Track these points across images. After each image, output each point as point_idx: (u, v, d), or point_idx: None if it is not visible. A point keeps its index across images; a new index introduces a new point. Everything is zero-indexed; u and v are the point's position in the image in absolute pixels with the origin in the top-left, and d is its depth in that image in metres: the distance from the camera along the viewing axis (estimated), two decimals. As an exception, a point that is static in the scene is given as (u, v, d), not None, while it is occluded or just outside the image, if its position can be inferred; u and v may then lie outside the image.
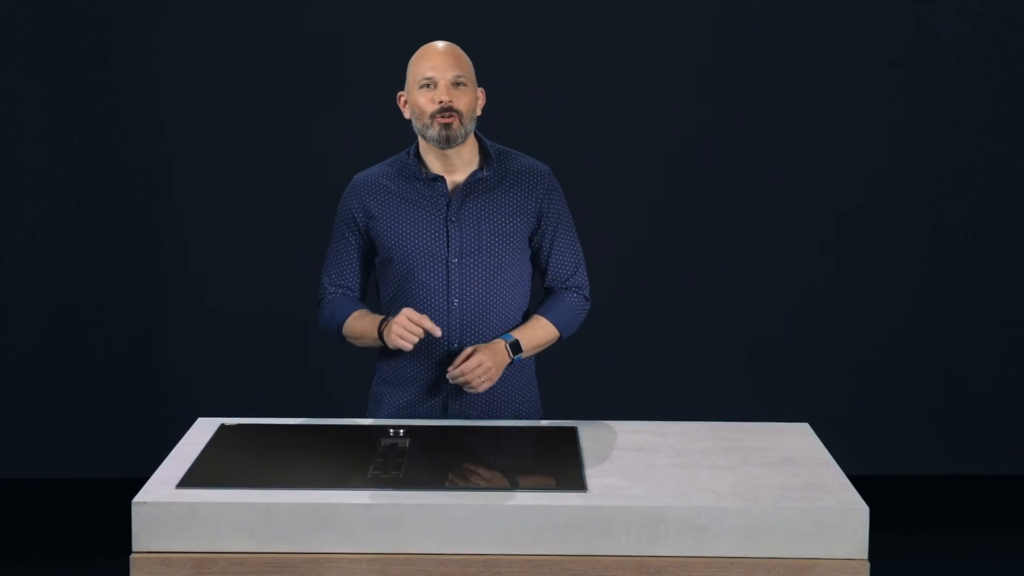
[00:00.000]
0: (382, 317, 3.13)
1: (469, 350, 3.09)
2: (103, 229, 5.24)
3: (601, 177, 5.20)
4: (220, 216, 5.24)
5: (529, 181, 3.20)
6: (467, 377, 3.06)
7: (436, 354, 3.14)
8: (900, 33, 5.22)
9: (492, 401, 3.18)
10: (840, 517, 2.51)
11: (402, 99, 3.18)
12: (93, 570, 4.52)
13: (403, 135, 3.30)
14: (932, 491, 5.31)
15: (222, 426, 3.00)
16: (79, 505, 5.16)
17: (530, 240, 3.22)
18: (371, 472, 2.67)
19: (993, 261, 5.33)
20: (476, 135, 3.19)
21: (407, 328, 3.02)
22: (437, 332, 3.04)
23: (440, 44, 3.14)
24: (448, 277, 3.14)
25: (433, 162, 3.16)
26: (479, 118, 3.16)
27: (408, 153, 3.20)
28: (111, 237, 5.24)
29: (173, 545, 2.51)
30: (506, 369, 3.14)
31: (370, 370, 3.28)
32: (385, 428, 2.98)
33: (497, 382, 3.12)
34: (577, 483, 2.62)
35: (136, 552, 2.51)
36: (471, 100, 3.11)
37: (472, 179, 3.16)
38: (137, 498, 2.53)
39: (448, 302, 3.14)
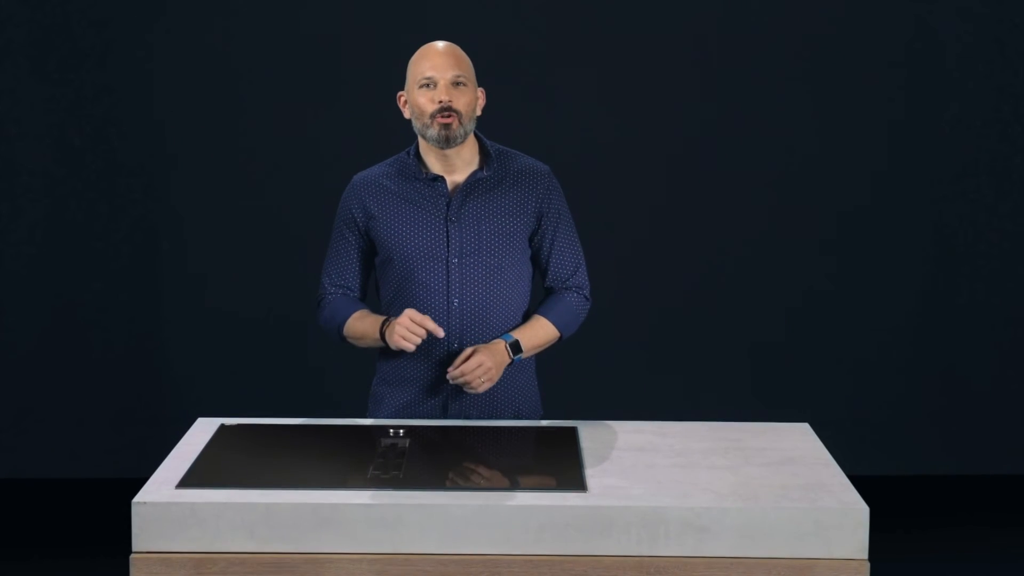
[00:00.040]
0: (384, 318, 3.13)
1: (469, 350, 3.09)
2: (103, 229, 5.24)
3: (601, 177, 5.20)
4: (220, 216, 5.24)
5: (529, 181, 3.20)
6: (467, 377, 3.06)
7: (436, 354, 3.14)
8: (900, 33, 5.22)
9: (492, 401, 3.18)
10: (840, 517, 2.51)
11: (402, 99, 3.18)
12: (93, 570, 4.52)
13: (403, 135, 3.30)
14: (932, 491, 5.31)
15: (222, 426, 3.00)
16: (79, 505, 5.16)
17: (530, 240, 3.22)
18: (371, 472, 2.67)
19: (993, 261, 5.33)
20: (476, 135, 3.19)
21: (410, 329, 3.02)
22: (440, 333, 3.04)
23: (440, 44, 3.14)
24: (448, 277, 3.14)
25: (433, 162, 3.16)
26: (479, 118, 3.16)
27: (408, 153, 3.20)
28: (111, 237, 5.24)
29: (173, 545, 2.51)
30: (506, 369, 3.14)
31: (370, 370, 3.28)
32: (385, 428, 2.97)
33: (497, 382, 3.12)
34: (577, 483, 2.62)
35: (136, 552, 2.51)
36: (471, 100, 3.11)
37: (472, 179, 3.16)
38: (137, 498, 2.53)
39: (448, 302, 3.14)
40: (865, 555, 2.52)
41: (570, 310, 3.24)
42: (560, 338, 3.24)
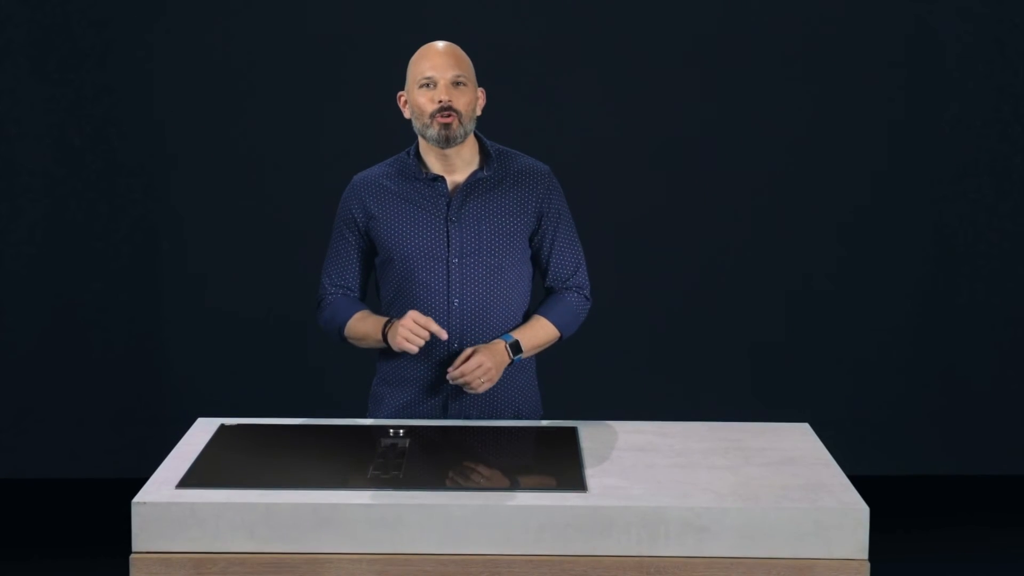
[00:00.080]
0: (386, 319, 3.13)
1: (469, 351, 3.09)
2: (103, 229, 5.24)
3: (601, 177, 5.20)
4: (220, 216, 5.24)
5: (529, 181, 3.20)
6: (467, 378, 3.06)
7: (436, 354, 3.14)
8: (900, 33, 5.22)
9: (492, 401, 3.18)
10: (840, 517, 2.51)
11: (402, 99, 3.18)
12: (93, 570, 4.51)
13: (403, 135, 3.30)
14: (932, 491, 5.31)
15: (222, 426, 3.00)
16: (79, 505, 5.16)
17: (530, 240, 3.22)
18: (371, 472, 2.67)
19: (993, 261, 5.33)
20: (476, 135, 3.19)
21: (413, 331, 3.02)
22: (444, 335, 3.04)
23: (440, 44, 3.14)
24: (448, 277, 3.14)
25: (433, 162, 3.16)
26: (479, 118, 3.16)
27: (408, 153, 3.20)
28: (111, 237, 5.24)
29: (173, 545, 2.50)
30: (506, 369, 3.14)
31: (370, 370, 3.28)
32: (385, 428, 2.97)
33: (497, 382, 3.12)
34: (577, 483, 2.62)
35: (136, 552, 2.51)
36: (471, 100, 3.11)
37: (472, 179, 3.16)
38: (137, 498, 2.53)
39: (448, 302, 3.14)
40: (865, 555, 2.52)
41: (570, 310, 3.24)
42: (560, 338, 3.24)
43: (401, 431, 2.94)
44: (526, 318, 3.22)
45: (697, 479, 2.66)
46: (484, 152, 3.19)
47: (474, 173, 3.17)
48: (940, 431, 5.40)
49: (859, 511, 2.52)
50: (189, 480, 2.62)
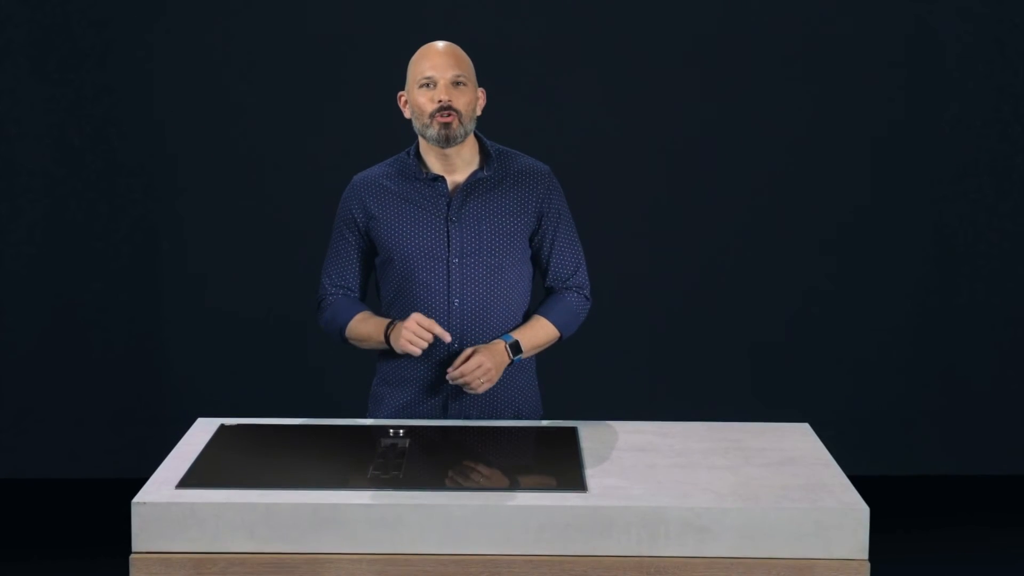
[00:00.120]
0: (388, 321, 3.13)
1: (469, 351, 3.09)
2: (103, 229, 5.24)
3: (601, 177, 5.20)
4: (220, 216, 5.24)
5: (529, 181, 3.20)
6: (467, 378, 3.06)
7: (436, 354, 3.14)
8: (900, 33, 5.22)
9: (492, 401, 3.18)
10: (840, 517, 2.51)
11: (402, 99, 3.18)
12: (93, 570, 4.52)
13: (403, 135, 3.30)
14: (932, 491, 5.31)
15: (222, 426, 3.00)
16: (79, 505, 5.16)
17: (530, 240, 3.22)
18: (371, 472, 2.67)
19: (993, 261, 5.33)
20: (476, 135, 3.19)
21: (417, 333, 3.02)
22: (447, 337, 3.05)
23: (440, 44, 3.14)
24: (448, 277, 3.14)
25: (433, 162, 3.16)
26: (479, 118, 3.16)
27: (408, 153, 3.20)
28: (111, 237, 5.24)
29: (173, 545, 2.50)
30: (506, 369, 3.14)
31: (370, 370, 3.28)
32: (385, 428, 2.97)
33: (497, 382, 3.12)
34: (577, 483, 2.62)
35: (136, 552, 2.51)
36: (471, 100, 3.11)
37: (472, 179, 3.16)
38: (137, 498, 2.53)
39: (449, 302, 3.14)
40: (865, 555, 2.51)
41: (570, 310, 3.24)
42: (560, 338, 3.24)
43: (401, 431, 2.94)
44: (526, 318, 3.22)
45: (697, 479, 2.66)
46: (484, 152, 3.19)
47: (474, 173, 3.17)
48: (940, 431, 5.40)
49: (859, 511, 2.52)
50: (189, 480, 2.62)
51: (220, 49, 5.18)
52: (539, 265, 3.25)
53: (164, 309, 5.29)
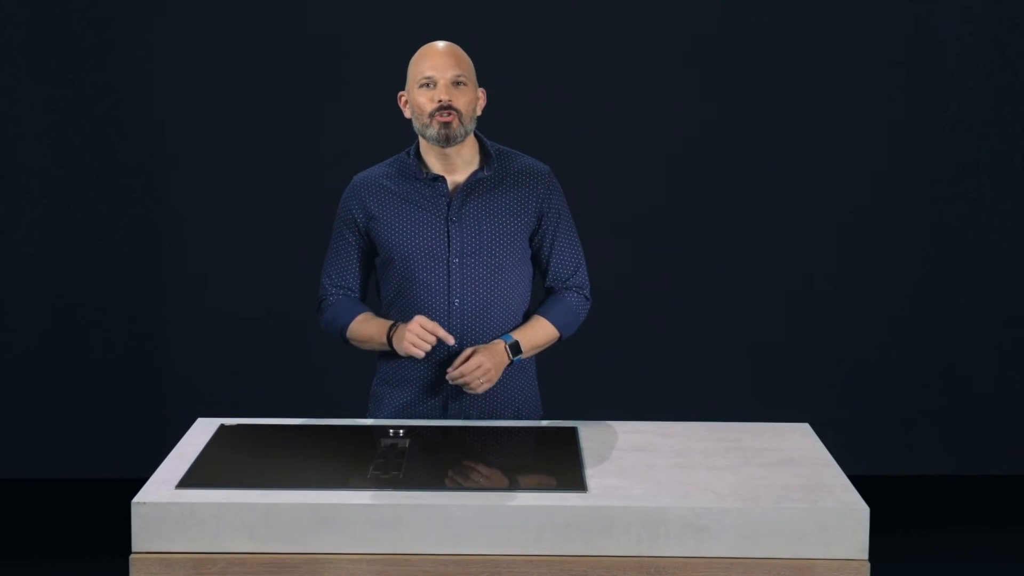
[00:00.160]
0: (391, 323, 3.13)
1: (469, 351, 3.09)
2: (103, 229, 5.24)
3: (601, 177, 5.20)
4: (220, 216, 5.24)
5: (530, 181, 3.20)
6: (466, 378, 3.06)
7: (436, 354, 3.14)
8: (900, 33, 5.22)
9: (492, 401, 3.18)
10: (840, 517, 2.51)
11: (403, 99, 3.18)
12: (93, 570, 4.51)
13: (403, 135, 3.30)
14: (932, 491, 5.31)
15: (222, 426, 3.00)
16: (79, 505, 5.16)
17: (530, 240, 3.22)
18: (371, 472, 2.67)
19: (993, 261, 5.33)
20: (476, 135, 3.19)
21: (420, 336, 3.02)
22: (451, 340, 3.05)
23: (440, 44, 3.14)
24: (449, 277, 3.14)
25: (433, 162, 3.16)
26: (479, 118, 3.16)
27: (408, 153, 3.20)
28: (111, 237, 5.24)
29: (173, 545, 2.50)
30: (506, 370, 3.14)
31: (370, 370, 3.28)
32: (385, 428, 2.97)
33: (497, 382, 3.12)
34: (577, 483, 2.62)
35: (136, 552, 2.51)
36: (471, 99, 3.11)
37: (473, 179, 3.16)
38: (137, 498, 2.53)
39: (449, 302, 3.14)
40: (865, 555, 2.51)
41: (570, 310, 3.24)
42: (560, 338, 3.24)
43: (401, 431, 2.94)
44: (526, 318, 3.22)
45: (697, 479, 2.66)
46: (484, 152, 3.19)
47: (474, 173, 3.17)
48: (940, 431, 5.40)
49: (859, 511, 2.52)
50: (189, 480, 2.62)
51: (220, 49, 5.18)
52: (539, 265, 3.25)
53: (164, 309, 5.29)
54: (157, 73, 5.18)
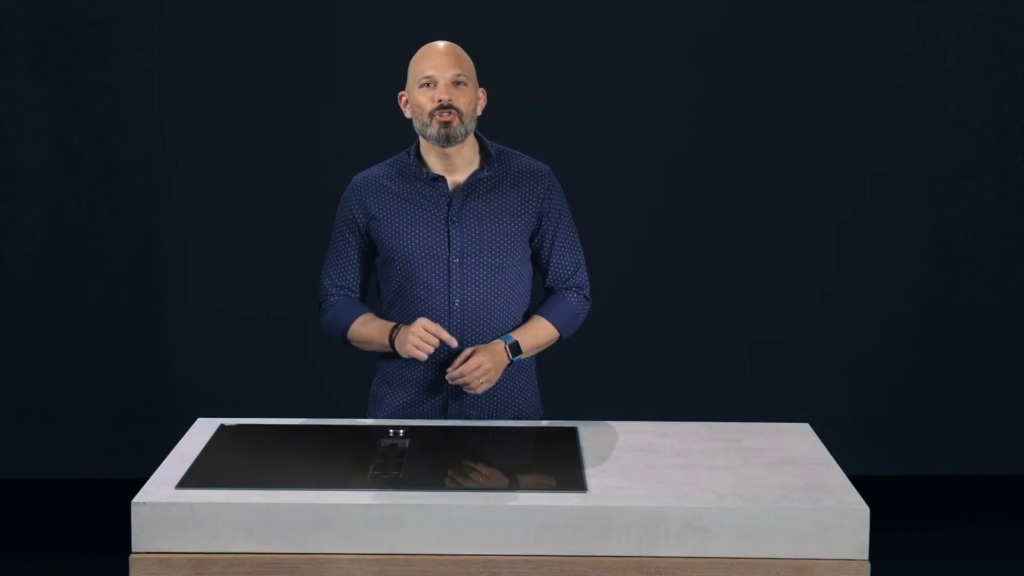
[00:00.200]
0: (393, 324, 3.13)
1: (468, 351, 3.09)
2: (103, 229, 5.24)
3: (601, 177, 5.20)
4: (220, 216, 5.24)
5: (530, 181, 3.20)
6: (466, 378, 3.06)
7: (437, 355, 3.14)
8: (900, 33, 5.22)
9: (492, 401, 3.18)
10: (841, 517, 2.51)
11: (403, 99, 3.18)
12: (93, 570, 4.51)
13: (404, 135, 3.30)
14: (932, 491, 5.31)
15: (222, 426, 3.00)
16: (79, 505, 5.16)
17: (531, 240, 3.22)
18: (371, 472, 2.67)
19: (993, 261, 5.33)
20: (477, 135, 3.19)
21: (423, 338, 3.02)
22: (454, 343, 3.05)
23: (441, 44, 3.14)
24: (449, 277, 3.14)
25: (434, 161, 3.16)
26: (479, 118, 3.16)
27: (408, 153, 3.20)
28: (111, 237, 5.24)
29: (173, 546, 2.50)
30: (505, 370, 3.14)
31: (370, 370, 3.28)
32: (385, 428, 2.97)
33: (497, 382, 3.12)
34: (577, 483, 2.62)
35: (136, 552, 2.51)
36: (471, 99, 3.11)
37: (473, 179, 3.16)
38: (137, 498, 2.53)
39: (449, 302, 3.14)
40: (865, 555, 2.51)
41: (570, 310, 3.24)
42: (560, 338, 3.24)
43: (401, 431, 2.94)
44: (526, 318, 3.22)
45: (697, 479, 2.66)
46: (484, 152, 3.19)
47: (475, 173, 3.17)
48: (940, 431, 5.40)
49: (859, 511, 2.52)
50: (189, 480, 2.62)
51: (220, 49, 5.18)
52: (539, 265, 3.25)
53: (164, 309, 5.29)
54: (157, 73, 5.18)
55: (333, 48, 5.18)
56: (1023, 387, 5.39)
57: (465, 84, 3.10)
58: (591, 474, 2.68)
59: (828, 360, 5.35)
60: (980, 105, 5.25)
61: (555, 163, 3.32)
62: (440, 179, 3.15)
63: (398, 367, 3.19)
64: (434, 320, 3.09)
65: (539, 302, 3.26)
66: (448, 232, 3.15)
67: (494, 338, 3.14)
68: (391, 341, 3.11)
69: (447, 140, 3.09)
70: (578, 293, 3.25)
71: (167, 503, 2.51)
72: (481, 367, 3.06)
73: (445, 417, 3.17)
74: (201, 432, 2.96)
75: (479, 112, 3.15)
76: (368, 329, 3.16)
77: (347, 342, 3.22)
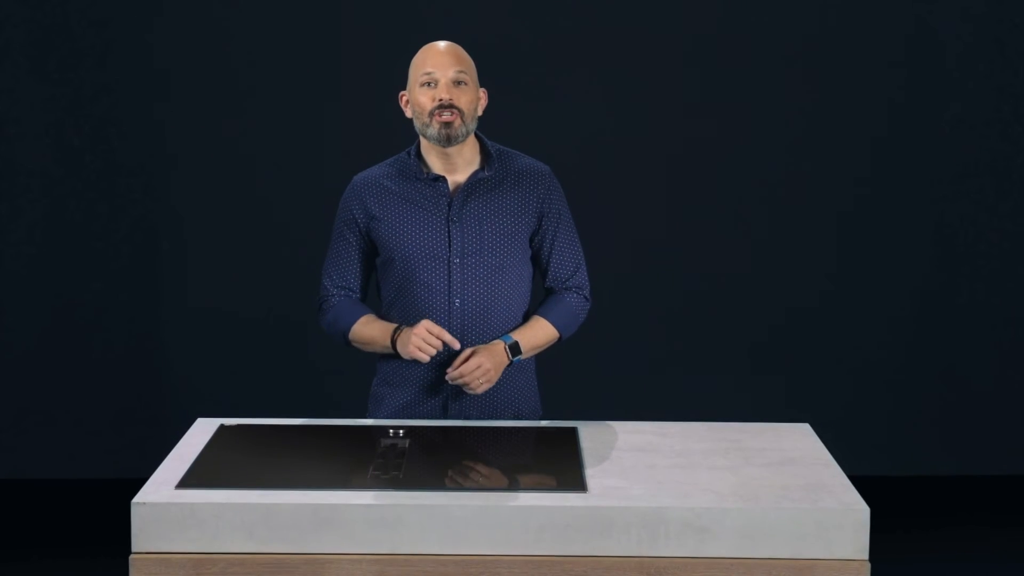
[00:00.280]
0: (395, 326, 3.13)
1: (468, 351, 3.09)
2: (103, 229, 5.24)
3: (601, 177, 5.20)
4: (220, 216, 5.24)
5: (530, 181, 3.20)
6: (466, 379, 3.06)
7: (437, 355, 3.13)
8: (900, 33, 5.22)
9: (492, 402, 3.18)
10: (841, 518, 2.51)
11: (404, 98, 3.18)
12: (93, 570, 4.51)
13: (404, 135, 3.30)
14: (932, 491, 5.31)
15: (222, 426, 3.00)
16: (79, 505, 5.16)
17: (531, 240, 3.22)
18: (371, 472, 2.67)
19: (993, 261, 5.33)
20: (477, 135, 3.19)
21: (426, 340, 3.02)
22: (456, 345, 3.05)
23: (442, 43, 3.14)
24: (449, 277, 3.14)
25: (434, 161, 3.16)
26: (480, 119, 3.16)
27: (408, 153, 3.20)
28: (111, 237, 5.24)
29: (172, 546, 2.50)
30: (505, 370, 3.14)
31: (370, 370, 3.28)
32: (385, 428, 2.97)
33: (497, 383, 3.12)
34: (577, 483, 2.62)
35: (136, 552, 2.51)
36: (472, 99, 3.11)
37: (473, 179, 3.16)
38: (136, 499, 2.53)
39: (449, 302, 3.14)
40: (866, 555, 2.51)
41: (570, 311, 3.24)
42: (560, 339, 3.24)
43: (401, 431, 2.93)
44: (526, 318, 3.22)
45: (697, 479, 2.66)
46: (485, 152, 3.19)
47: (475, 173, 3.16)
48: (940, 431, 5.40)
49: (859, 511, 2.51)
50: (189, 480, 2.62)
51: (220, 49, 5.18)
52: (539, 265, 3.25)
53: (164, 309, 5.29)
54: (157, 73, 5.17)
55: (333, 48, 5.18)
56: (1023, 387, 5.39)
57: (466, 84, 3.10)
58: (591, 474, 2.68)
59: (828, 360, 5.35)
60: (980, 105, 5.25)
61: (555, 163, 3.31)
62: (440, 179, 3.15)
63: (398, 367, 3.19)
64: (434, 320, 3.09)
65: (539, 302, 3.26)
66: (448, 232, 3.15)
67: (494, 338, 3.14)
68: (393, 342, 3.11)
69: (448, 141, 3.09)
70: (578, 293, 3.25)
71: (167, 503, 2.51)
72: (481, 367, 3.06)
73: (445, 417, 3.17)
74: (201, 432, 2.96)
75: (480, 112, 3.15)
76: (370, 330, 3.16)
77: (348, 343, 3.22)
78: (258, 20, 5.17)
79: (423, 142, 3.16)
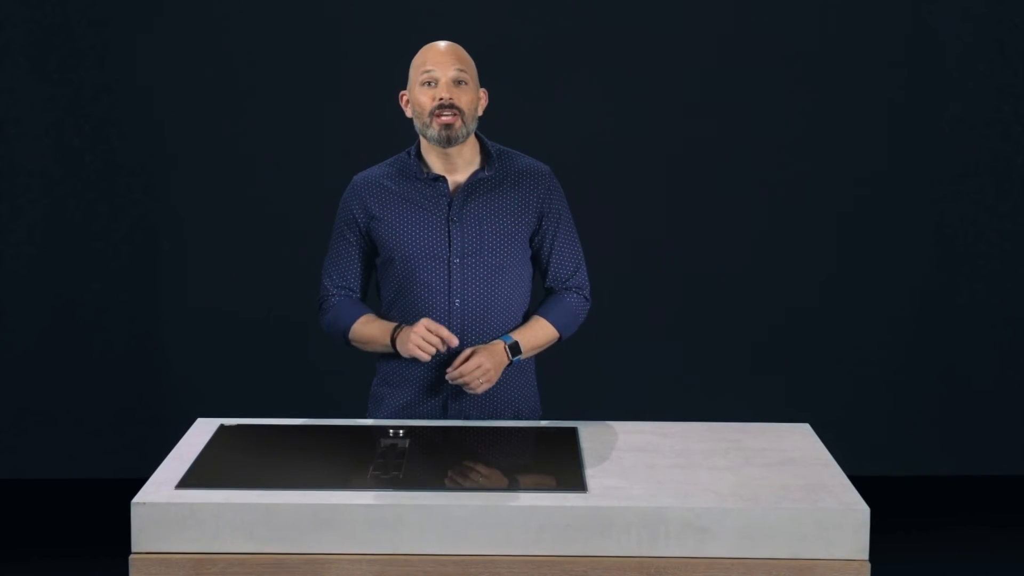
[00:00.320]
0: (395, 325, 3.13)
1: (468, 351, 3.09)
2: (103, 229, 5.24)
3: (601, 177, 5.20)
4: (220, 216, 5.24)
5: (530, 181, 3.20)
6: (466, 378, 3.06)
7: (437, 355, 3.13)
8: (900, 33, 5.22)
9: (492, 402, 3.18)
10: (841, 518, 2.50)
11: (404, 98, 3.18)
12: (93, 570, 4.51)
13: (404, 135, 3.30)
14: (932, 492, 5.31)
15: (222, 426, 3.00)
16: (79, 505, 5.16)
17: (531, 240, 3.22)
18: (371, 472, 2.67)
19: (993, 261, 5.33)
20: (477, 135, 3.19)
21: (426, 339, 3.02)
22: (455, 342, 3.05)
23: (442, 43, 3.14)
24: (449, 277, 3.14)
25: (434, 161, 3.16)
26: (480, 119, 3.16)
27: (409, 153, 3.20)
28: (111, 237, 5.24)
29: (172, 546, 2.50)
30: (505, 370, 3.14)
31: (370, 370, 3.28)
32: (385, 428, 2.97)
33: (497, 383, 3.12)
34: (577, 483, 2.62)
35: (135, 553, 2.51)
36: (472, 99, 3.11)
37: (473, 179, 3.16)
38: (136, 499, 2.53)
39: (449, 302, 3.14)
40: (866, 556, 2.51)
41: (570, 311, 3.24)
42: (559, 339, 3.24)
43: (401, 431, 2.93)
44: (526, 318, 3.22)
45: (697, 479, 2.66)
46: (485, 152, 3.19)
47: (475, 173, 3.16)
48: (940, 431, 5.40)
49: (860, 511, 2.51)
50: (188, 480, 2.62)
51: (220, 49, 5.18)
52: (539, 265, 3.25)
53: (164, 309, 5.29)
54: (157, 73, 5.17)
55: (333, 48, 5.18)
56: (1023, 387, 5.39)
57: (466, 83, 3.10)
58: (591, 474, 2.68)
59: (828, 360, 5.35)
60: (980, 105, 5.25)
61: (555, 163, 3.31)
62: (441, 179, 3.15)
63: (398, 367, 3.19)
64: (434, 320, 3.08)
65: (539, 302, 3.26)
66: (448, 232, 3.15)
67: (494, 338, 3.14)
68: (393, 341, 3.11)
69: (448, 141, 3.09)
70: (578, 293, 3.25)
71: (167, 503, 2.51)
72: (481, 367, 3.06)
73: (445, 417, 3.17)
74: (201, 432, 2.96)
75: (480, 112, 3.15)
76: (370, 329, 3.16)
77: (348, 342, 3.22)
78: (258, 20, 5.17)
79: (423, 142, 3.16)
